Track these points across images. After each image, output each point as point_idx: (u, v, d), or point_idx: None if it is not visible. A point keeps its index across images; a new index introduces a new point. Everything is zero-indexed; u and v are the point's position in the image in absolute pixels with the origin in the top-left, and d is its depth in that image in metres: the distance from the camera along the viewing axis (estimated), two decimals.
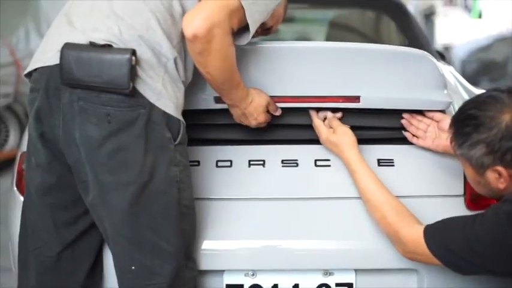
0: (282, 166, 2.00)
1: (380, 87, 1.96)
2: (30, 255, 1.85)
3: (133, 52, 1.63)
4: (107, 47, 1.64)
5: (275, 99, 1.94)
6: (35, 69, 1.76)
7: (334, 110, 1.99)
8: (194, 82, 1.84)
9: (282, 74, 1.94)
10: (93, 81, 1.64)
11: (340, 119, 1.99)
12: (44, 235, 1.83)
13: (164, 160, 1.71)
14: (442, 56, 3.39)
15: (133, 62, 1.63)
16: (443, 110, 1.99)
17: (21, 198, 1.97)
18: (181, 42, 1.74)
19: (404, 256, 1.83)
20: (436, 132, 1.96)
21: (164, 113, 1.69)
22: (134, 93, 1.65)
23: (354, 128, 1.98)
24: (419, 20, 8.95)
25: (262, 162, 2.00)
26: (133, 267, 1.74)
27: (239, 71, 1.79)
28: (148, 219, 1.71)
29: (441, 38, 14.66)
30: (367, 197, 1.89)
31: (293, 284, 1.95)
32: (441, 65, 2.15)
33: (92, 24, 1.69)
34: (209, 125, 2.01)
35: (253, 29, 1.73)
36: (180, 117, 1.74)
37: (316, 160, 2.01)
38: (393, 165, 1.99)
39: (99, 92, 1.65)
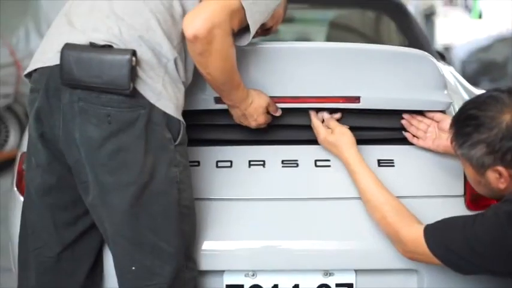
0: (282, 166, 2.00)
1: (380, 87, 1.96)
2: (30, 255, 1.85)
3: (134, 53, 1.63)
4: (107, 47, 1.64)
5: (275, 99, 1.94)
6: (35, 70, 1.76)
7: (334, 111, 2.00)
8: (194, 82, 1.84)
9: (282, 75, 1.94)
10: (94, 82, 1.64)
11: (340, 120, 1.99)
12: (44, 235, 1.83)
13: (164, 161, 1.71)
14: (442, 56, 3.39)
15: (134, 63, 1.63)
16: (444, 111, 1.99)
17: (21, 199, 1.97)
18: (182, 43, 1.74)
19: (404, 256, 1.83)
20: (436, 132, 1.96)
21: (164, 113, 1.69)
22: (134, 94, 1.65)
23: (354, 129, 1.98)
24: (419, 20, 8.96)
25: (262, 163, 2.00)
26: (133, 268, 1.74)
27: (239, 71, 1.79)
28: (149, 220, 1.71)
29: (441, 38, 14.66)
30: (366, 197, 1.89)
31: (293, 285, 1.95)
32: (441, 66, 2.15)
33: (92, 25, 1.69)
34: (209, 125, 2.01)
35: (253, 29, 1.73)
36: (180, 118, 1.74)
37: (316, 160, 2.01)
38: (393, 166, 1.99)
39: (100, 92, 1.65)
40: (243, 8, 1.67)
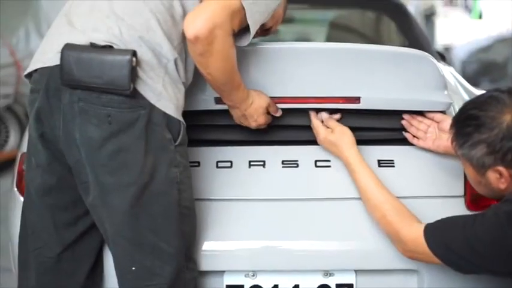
0: (282, 167, 2.00)
1: (380, 88, 1.96)
2: (30, 255, 1.85)
3: (134, 53, 1.63)
4: (108, 47, 1.64)
5: (275, 100, 1.94)
6: (35, 70, 1.76)
7: (334, 111, 2.00)
8: (194, 83, 1.84)
9: (282, 75, 1.94)
10: (94, 82, 1.64)
11: (340, 120, 1.99)
12: (44, 236, 1.83)
13: (164, 161, 1.71)
14: (443, 56, 3.39)
15: (134, 63, 1.63)
16: (444, 111, 1.99)
17: (21, 199, 1.96)
18: (182, 43, 1.74)
19: (404, 255, 1.83)
20: (436, 133, 1.96)
21: (164, 114, 1.69)
22: (135, 94, 1.65)
23: (354, 129, 1.97)
24: (419, 20, 8.96)
25: (262, 163, 2.00)
26: (133, 268, 1.74)
27: (239, 72, 1.79)
28: (149, 220, 1.71)
29: (441, 38, 14.66)
30: (367, 196, 1.89)
31: (293, 285, 1.95)
32: (441, 66, 2.14)
33: (92, 25, 1.69)
34: (209, 125, 2.01)
35: (253, 29, 1.73)
36: (181, 118, 1.74)
37: (316, 161, 2.01)
38: (393, 166, 1.99)
39: (100, 92, 1.65)
40: (243, 8, 1.67)
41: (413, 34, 3.10)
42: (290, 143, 2.03)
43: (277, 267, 1.94)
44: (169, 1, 1.72)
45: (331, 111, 1.99)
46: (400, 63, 1.96)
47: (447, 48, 10.98)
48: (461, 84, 2.53)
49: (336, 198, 1.98)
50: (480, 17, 17.37)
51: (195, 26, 1.62)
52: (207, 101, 1.94)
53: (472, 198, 1.94)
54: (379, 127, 2.02)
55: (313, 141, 2.01)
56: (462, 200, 1.96)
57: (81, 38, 1.68)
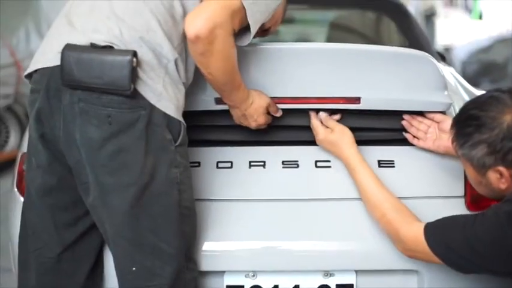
0: (283, 167, 2.00)
1: (380, 88, 1.96)
2: (30, 256, 1.85)
3: (135, 54, 1.63)
4: (108, 48, 1.64)
5: (276, 100, 1.94)
6: (36, 70, 1.76)
7: (334, 111, 2.00)
8: (195, 83, 1.84)
9: (282, 75, 1.94)
10: (94, 83, 1.64)
11: (340, 120, 1.99)
12: (44, 236, 1.83)
13: (165, 161, 1.71)
14: (443, 57, 3.39)
15: (134, 64, 1.63)
16: (444, 111, 2.00)
17: (22, 199, 1.97)
18: (182, 44, 1.74)
19: (404, 254, 1.83)
20: (436, 133, 1.97)
21: (165, 114, 1.69)
22: (135, 95, 1.65)
23: (354, 129, 1.98)
24: (419, 21, 8.95)
25: (262, 163, 2.00)
26: (134, 269, 1.74)
27: (240, 72, 1.79)
28: (149, 221, 1.71)
29: (441, 39, 14.66)
30: (367, 195, 1.89)
31: (293, 285, 1.95)
32: (441, 66, 2.15)
33: (92, 25, 1.69)
34: (209, 126, 2.01)
35: (254, 29, 1.73)
36: (181, 119, 1.74)
37: (316, 161, 2.01)
38: (394, 167, 1.99)
39: (100, 93, 1.65)
40: (243, 7, 1.67)
41: (414, 34, 3.10)
42: (290, 144, 2.03)
43: (278, 267, 1.94)
44: (169, 1, 1.72)
45: (332, 112, 2.00)
46: (400, 64, 1.96)
47: (447, 49, 10.99)
48: (462, 85, 2.54)
49: (336, 199, 1.98)
50: (480, 17, 17.37)
51: (195, 25, 1.62)
52: (207, 102, 1.94)
53: (472, 198, 1.94)
54: (379, 127, 2.02)
55: (314, 142, 2.01)
56: (462, 200, 1.96)
57: (81, 39, 1.68)
